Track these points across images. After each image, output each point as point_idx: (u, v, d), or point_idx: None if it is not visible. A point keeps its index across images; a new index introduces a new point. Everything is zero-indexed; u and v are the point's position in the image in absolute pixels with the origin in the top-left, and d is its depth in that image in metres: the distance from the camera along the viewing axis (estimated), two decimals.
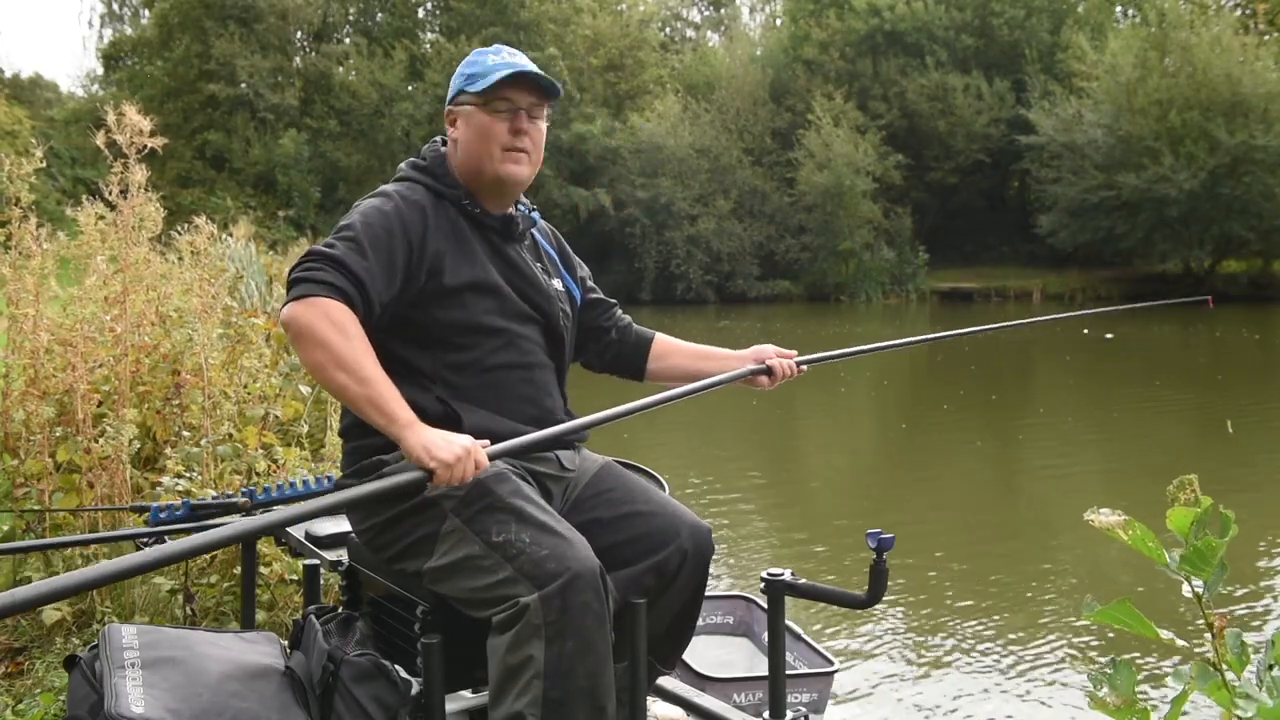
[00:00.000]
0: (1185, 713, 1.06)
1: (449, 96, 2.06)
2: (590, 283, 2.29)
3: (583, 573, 1.71)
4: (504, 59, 2.00)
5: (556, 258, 2.22)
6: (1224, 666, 1.00)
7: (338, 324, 1.74)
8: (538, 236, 2.19)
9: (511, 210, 2.08)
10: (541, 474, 1.97)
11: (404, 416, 1.72)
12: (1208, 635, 1.02)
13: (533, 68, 2.01)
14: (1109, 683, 1.01)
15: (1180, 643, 1.09)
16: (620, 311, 2.35)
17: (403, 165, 2.10)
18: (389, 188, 2.02)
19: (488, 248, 2.01)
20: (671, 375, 2.29)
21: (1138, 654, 4.00)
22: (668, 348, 2.32)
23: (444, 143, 2.09)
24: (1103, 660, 4.09)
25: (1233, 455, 8.35)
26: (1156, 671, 3.86)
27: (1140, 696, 1.02)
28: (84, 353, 3.78)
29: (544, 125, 2.07)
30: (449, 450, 1.67)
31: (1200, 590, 1.01)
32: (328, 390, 1.86)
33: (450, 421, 1.85)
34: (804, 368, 2.27)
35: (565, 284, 2.18)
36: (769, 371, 2.22)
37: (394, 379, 1.81)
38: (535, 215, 2.16)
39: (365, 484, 1.67)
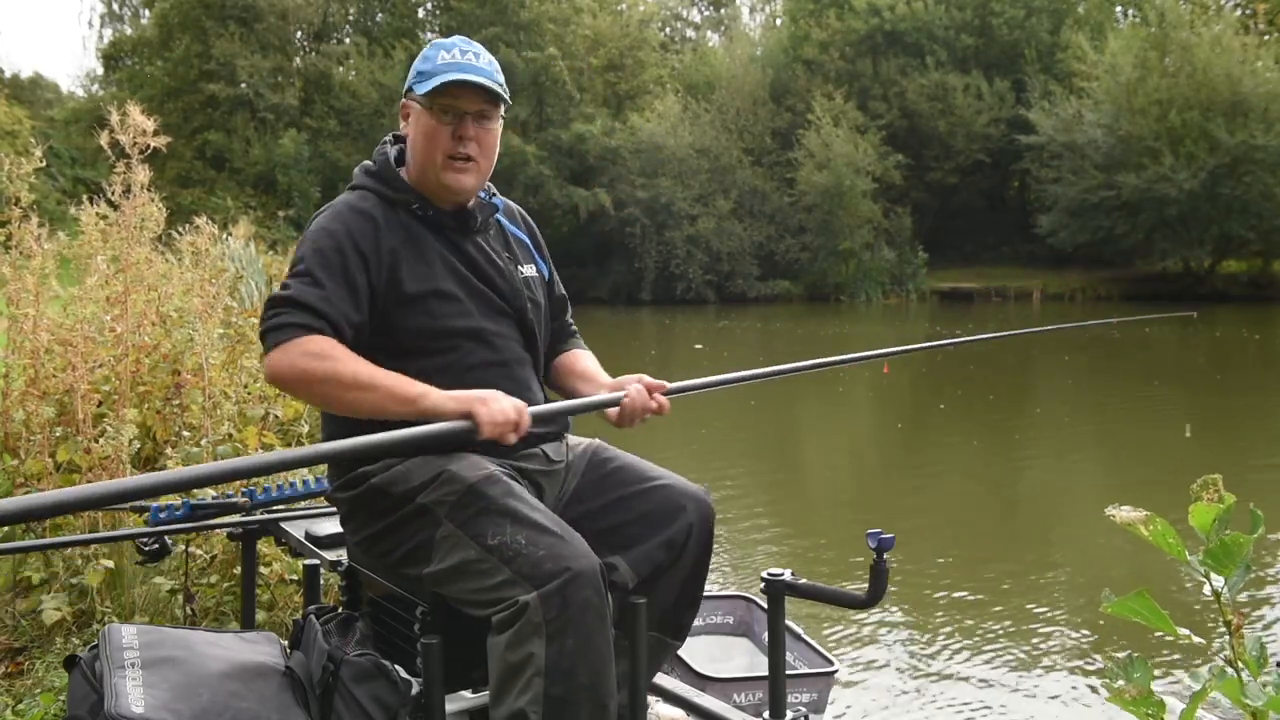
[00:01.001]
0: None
1: (404, 87, 2.02)
2: (558, 289, 2.24)
3: (582, 571, 1.71)
4: (455, 58, 1.94)
5: (528, 241, 2.17)
6: (1240, 665, 1.01)
7: (317, 354, 1.76)
8: (504, 222, 2.13)
9: (468, 204, 2.03)
10: (531, 471, 1.97)
11: (423, 390, 1.75)
12: (1225, 634, 1.02)
13: (484, 69, 1.95)
14: (1126, 675, 1.02)
15: (1197, 640, 1.09)
16: (568, 316, 2.28)
17: (357, 170, 2.07)
18: (339, 200, 2.00)
19: (447, 247, 1.98)
20: (556, 388, 2.20)
21: (1140, 650, 4.00)
22: (565, 362, 2.20)
23: (393, 141, 2.07)
24: (1100, 657, 4.11)
25: (1231, 456, 8.35)
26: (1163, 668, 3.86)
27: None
28: (84, 353, 3.78)
29: (496, 128, 2.00)
30: (500, 410, 1.70)
31: (1220, 588, 1.01)
32: (352, 415, 1.82)
33: None
34: (665, 401, 1.96)
35: (538, 268, 2.15)
36: (617, 403, 1.93)
37: None
38: (497, 201, 2.10)
39: (407, 430, 1.61)
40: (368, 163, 2.06)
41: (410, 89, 1.98)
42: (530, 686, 1.68)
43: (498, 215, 2.10)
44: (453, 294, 1.94)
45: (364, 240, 1.90)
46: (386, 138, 2.10)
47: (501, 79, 1.98)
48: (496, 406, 1.69)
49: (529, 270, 2.10)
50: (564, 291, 2.27)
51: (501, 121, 2.02)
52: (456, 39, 2.01)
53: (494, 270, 2.01)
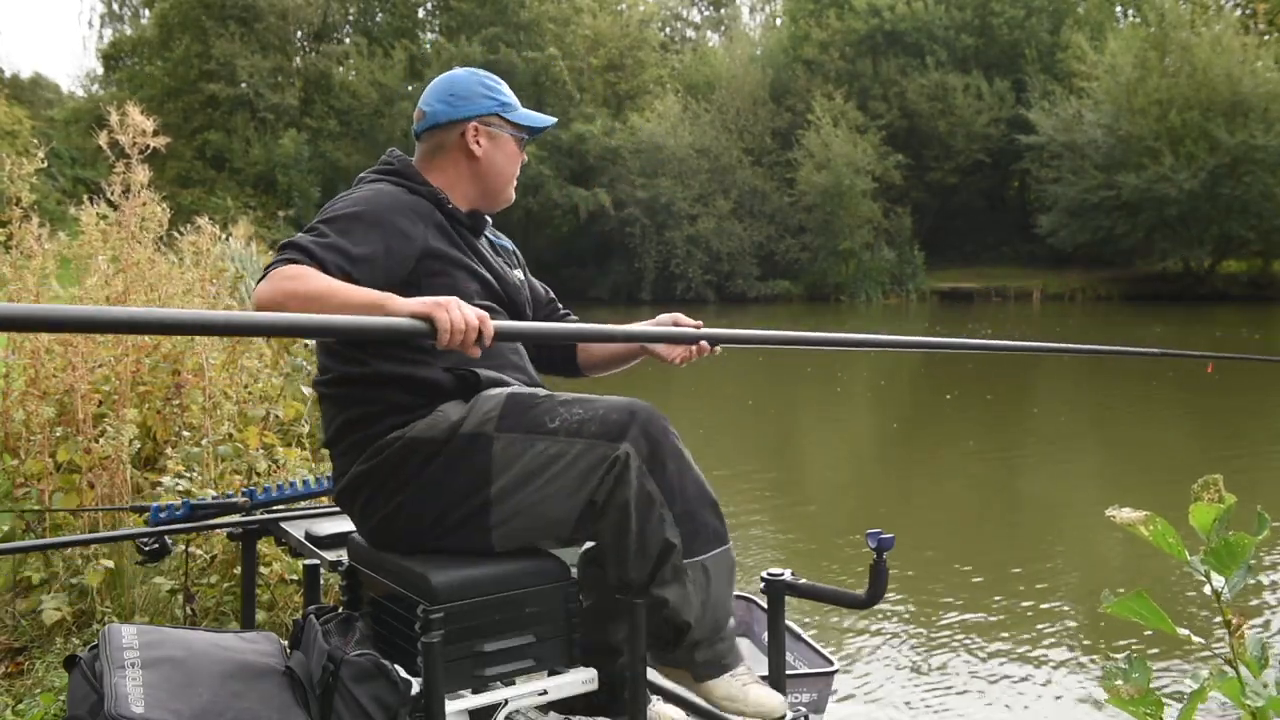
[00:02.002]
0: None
1: (474, 111, 2.13)
2: (539, 284, 2.37)
3: (641, 408, 1.87)
4: (524, 104, 2.20)
5: (512, 249, 2.31)
6: (1240, 665, 1.01)
7: (289, 276, 1.77)
8: (490, 235, 2.27)
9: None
10: None
11: (386, 296, 1.73)
12: (1225, 633, 1.03)
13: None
14: (1124, 675, 1.02)
15: (1197, 639, 1.10)
16: (564, 311, 2.41)
17: (365, 173, 2.15)
18: (367, 180, 2.11)
19: (463, 239, 2.10)
20: (598, 362, 2.36)
21: (1140, 650, 4.00)
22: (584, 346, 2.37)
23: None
24: (1100, 656, 4.10)
25: (1230, 456, 8.36)
26: (1163, 668, 3.86)
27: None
28: (84, 353, 3.78)
29: None
30: (461, 317, 1.60)
31: (1221, 588, 1.02)
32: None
33: (465, 382, 1.96)
34: (716, 349, 2.04)
35: (524, 276, 2.29)
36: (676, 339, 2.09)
37: (396, 361, 1.93)
38: (487, 218, 2.24)
39: (368, 319, 1.62)
40: (378, 166, 2.15)
41: (494, 115, 2.14)
42: (663, 520, 1.84)
43: (488, 230, 2.26)
44: (475, 273, 2.05)
45: (387, 210, 1.97)
46: (393, 149, 2.19)
47: None
48: (457, 313, 1.60)
49: (519, 275, 2.25)
50: (548, 291, 2.40)
51: None
52: (498, 79, 2.23)
53: (498, 266, 2.16)
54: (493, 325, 1.63)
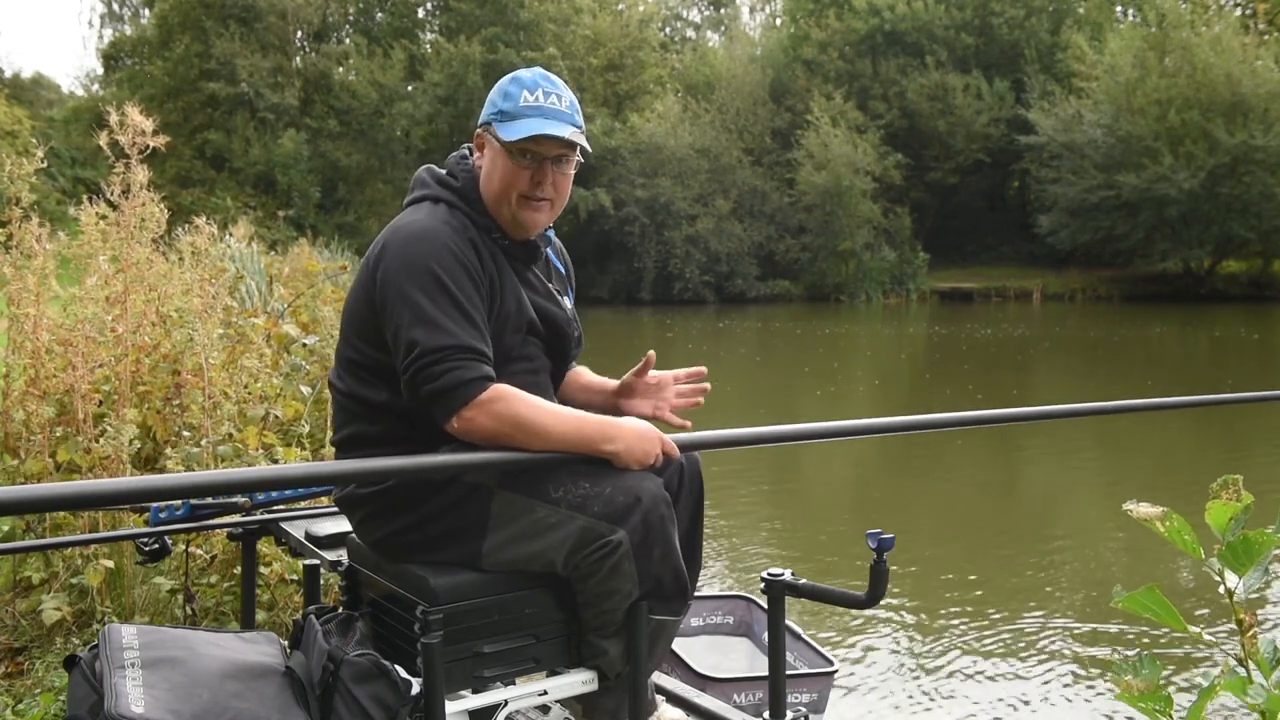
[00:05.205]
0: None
1: (482, 118, 2.00)
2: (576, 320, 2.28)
3: (648, 495, 1.85)
4: (538, 101, 1.94)
5: (565, 274, 2.21)
6: (1250, 664, 1.01)
7: (507, 413, 1.80)
8: (550, 253, 2.17)
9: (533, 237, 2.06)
10: None
11: (600, 433, 1.84)
12: (1234, 632, 1.02)
13: (566, 114, 1.95)
14: (1134, 670, 1.02)
15: (1209, 637, 1.10)
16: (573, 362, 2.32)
17: (429, 179, 2.04)
18: (434, 215, 1.95)
19: (515, 276, 2.01)
20: (565, 400, 2.24)
21: (1139, 649, 4.00)
22: (571, 379, 2.28)
23: (470, 151, 2.06)
24: (1100, 656, 4.10)
25: (1229, 456, 8.36)
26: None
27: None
28: (84, 353, 3.78)
29: (572, 170, 2.02)
30: (644, 444, 1.86)
31: (1235, 586, 1.02)
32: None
33: None
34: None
35: (570, 299, 2.19)
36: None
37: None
38: (550, 234, 2.14)
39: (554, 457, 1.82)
40: (446, 176, 2.03)
41: (489, 124, 1.97)
42: (628, 597, 1.87)
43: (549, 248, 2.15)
44: (520, 325, 1.98)
45: (473, 266, 1.90)
46: (464, 149, 2.07)
47: (581, 121, 1.99)
48: (641, 455, 1.85)
49: (568, 303, 2.15)
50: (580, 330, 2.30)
51: (578, 160, 2.02)
52: (537, 74, 2.00)
53: (550, 303, 2.06)
54: (673, 442, 1.89)
